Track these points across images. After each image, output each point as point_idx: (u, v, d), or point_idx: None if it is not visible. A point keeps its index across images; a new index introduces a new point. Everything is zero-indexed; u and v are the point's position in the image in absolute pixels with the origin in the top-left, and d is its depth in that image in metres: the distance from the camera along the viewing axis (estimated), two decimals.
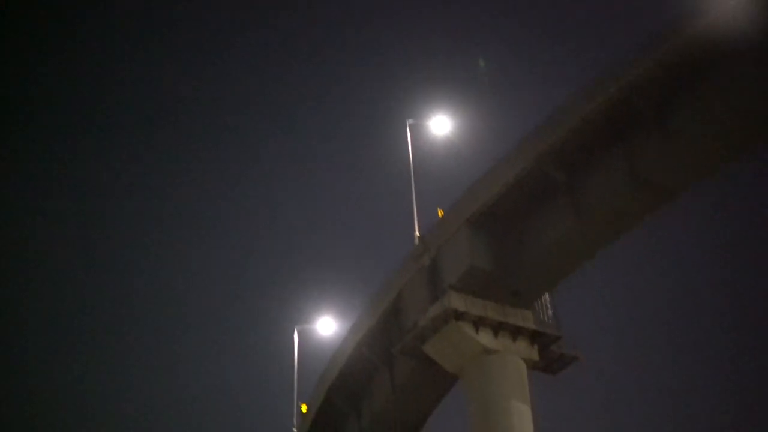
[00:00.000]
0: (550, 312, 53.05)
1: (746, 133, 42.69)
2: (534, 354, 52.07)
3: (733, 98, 41.96)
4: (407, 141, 59.21)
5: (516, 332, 51.61)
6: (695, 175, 44.99)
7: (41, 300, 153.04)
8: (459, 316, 50.73)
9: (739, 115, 42.05)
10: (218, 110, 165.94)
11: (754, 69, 40.96)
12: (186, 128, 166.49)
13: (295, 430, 66.71)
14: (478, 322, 51.08)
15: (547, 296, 52.99)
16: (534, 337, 52.08)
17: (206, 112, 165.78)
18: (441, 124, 59.40)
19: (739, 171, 46.96)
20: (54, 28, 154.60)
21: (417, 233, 56.08)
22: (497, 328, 51.33)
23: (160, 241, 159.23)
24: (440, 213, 54.49)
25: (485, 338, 51.33)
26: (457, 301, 50.76)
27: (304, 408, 66.09)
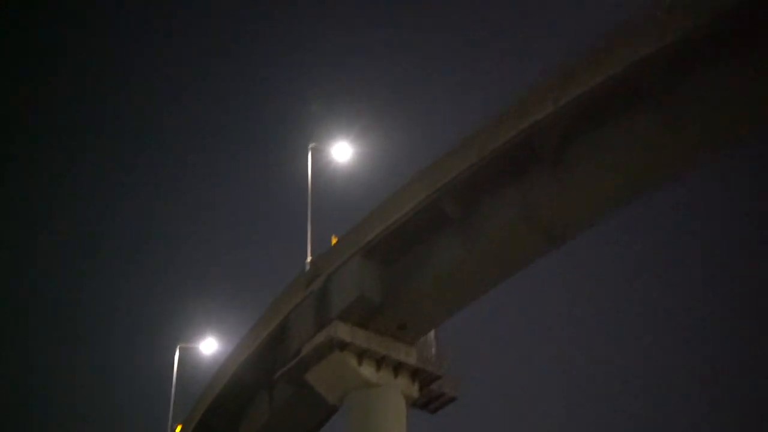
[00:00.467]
0: (434, 350, 52.69)
1: (638, 178, 42.94)
2: (414, 391, 51.50)
3: (629, 145, 42.11)
4: (307, 165, 58.47)
5: (398, 367, 51.08)
6: (584, 220, 45.08)
7: None
8: (343, 346, 50.00)
9: (633, 158, 42.29)
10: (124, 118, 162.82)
11: (652, 113, 41.16)
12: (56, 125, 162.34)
13: None
14: (362, 354, 50.41)
15: (432, 333, 52.64)
16: (415, 373, 51.57)
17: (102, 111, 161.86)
18: (342, 151, 58.74)
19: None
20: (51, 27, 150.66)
21: (309, 258, 55.29)
22: (380, 361, 50.70)
23: (30, 245, 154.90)
24: (334, 240, 53.84)
25: (367, 371, 50.70)
26: (342, 331, 50.04)
27: (178, 430, 64.51)
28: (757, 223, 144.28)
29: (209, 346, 67.62)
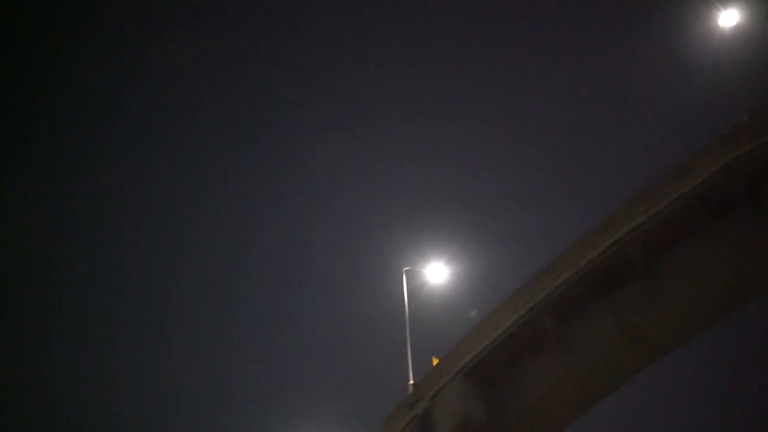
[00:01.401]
0: None
1: (739, 289, 42.70)
2: None
3: (727, 251, 42.03)
4: (403, 288, 59.22)
5: None
6: (682, 333, 44.82)
7: None
8: None
9: (729, 267, 42.11)
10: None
11: (746, 218, 41.17)
12: None
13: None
14: None
15: None
16: None
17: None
18: (437, 272, 59.48)
19: None
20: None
21: (411, 381, 55.51)
22: None
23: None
24: (435, 361, 54.04)
25: None
26: None
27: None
28: None
29: None
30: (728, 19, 51.51)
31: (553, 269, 47.24)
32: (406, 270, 59.91)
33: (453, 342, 51.81)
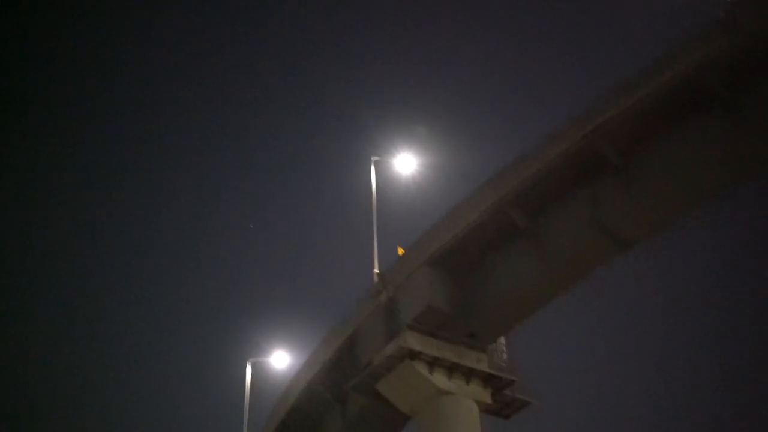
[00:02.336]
0: (505, 355, 52.92)
1: (710, 185, 43.02)
2: (487, 397, 51.73)
3: (699, 149, 42.18)
4: (371, 178, 59.12)
5: (470, 374, 51.29)
6: (655, 228, 45.19)
7: None
8: (414, 355, 50.38)
9: (701, 161, 42.32)
10: (179, 141, 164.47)
11: (723, 120, 41.25)
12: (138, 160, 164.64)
13: None
14: (433, 363, 50.72)
15: (503, 339, 52.91)
16: (488, 380, 51.81)
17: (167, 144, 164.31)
18: (406, 163, 59.36)
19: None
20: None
21: (376, 270, 55.85)
22: (451, 369, 50.99)
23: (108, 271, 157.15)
24: (401, 251, 54.36)
25: (439, 379, 50.97)
26: (412, 341, 50.43)
27: None
28: None
29: (280, 360, 68.36)
30: None
31: (523, 162, 47.25)
32: (375, 160, 59.78)
33: (420, 232, 52.08)
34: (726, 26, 39.99)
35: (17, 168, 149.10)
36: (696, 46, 40.63)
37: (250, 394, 68.58)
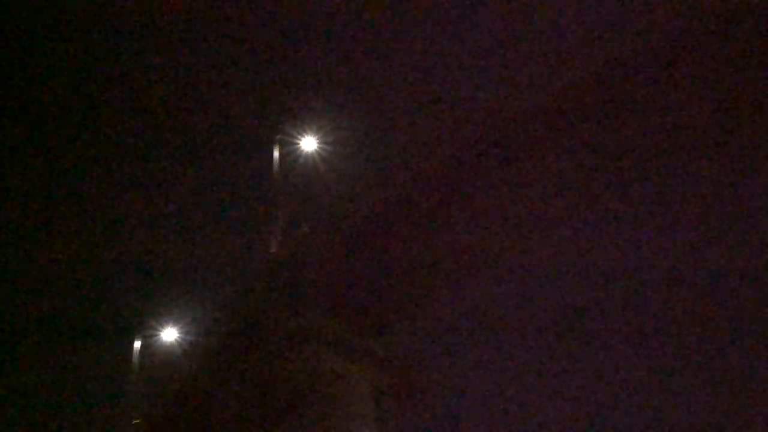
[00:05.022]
0: (405, 338, 53.20)
1: None
2: (385, 380, 51.95)
3: None
4: (274, 156, 58.54)
5: (368, 357, 51.44)
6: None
7: None
8: (312, 335, 50.24)
9: None
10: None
11: None
12: None
13: None
14: (331, 344, 50.68)
15: (405, 322, 53.12)
16: (385, 362, 51.98)
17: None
18: (310, 143, 58.92)
19: None
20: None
21: (274, 249, 55.31)
22: (350, 350, 51.02)
23: None
24: (302, 229, 53.93)
25: (336, 361, 50.94)
26: (311, 321, 50.27)
27: (138, 423, 63.93)
28: None
29: (170, 336, 66.94)
30: None
31: (429, 146, 47.28)
32: (278, 138, 59.17)
33: (324, 212, 51.81)
34: None
35: None
36: None
37: (138, 374, 67.21)
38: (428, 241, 48.27)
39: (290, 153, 58.76)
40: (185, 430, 60.00)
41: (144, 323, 68.70)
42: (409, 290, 49.92)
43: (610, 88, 41.92)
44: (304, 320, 49.85)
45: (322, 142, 59.13)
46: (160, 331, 67.73)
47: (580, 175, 45.06)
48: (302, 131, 59.28)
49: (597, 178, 44.78)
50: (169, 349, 66.63)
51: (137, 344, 67.39)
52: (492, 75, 45.73)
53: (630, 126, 42.56)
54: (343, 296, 50.31)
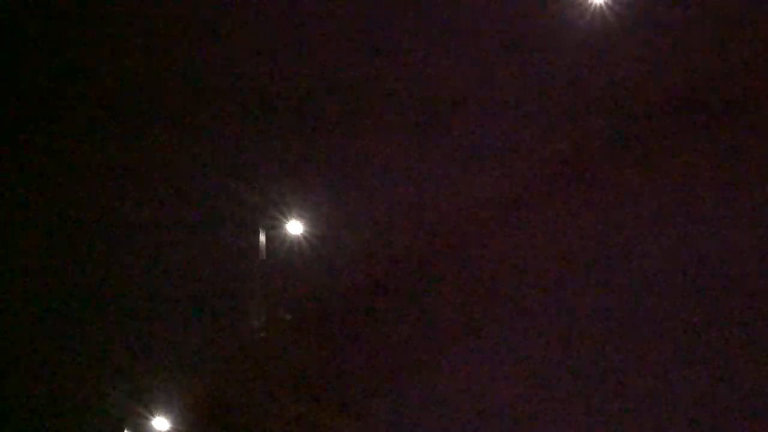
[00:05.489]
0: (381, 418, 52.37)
1: None
2: None
3: None
4: (260, 244, 58.90)
5: None
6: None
7: None
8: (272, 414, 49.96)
9: None
10: None
11: None
12: None
13: None
14: (294, 422, 50.35)
15: (380, 401, 52.36)
16: None
17: None
18: (295, 227, 59.30)
19: None
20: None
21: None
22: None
23: None
24: (285, 317, 53.88)
25: None
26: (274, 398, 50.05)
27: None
28: None
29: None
30: None
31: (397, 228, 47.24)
32: (263, 225, 59.48)
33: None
34: None
35: None
36: None
37: None
38: (409, 320, 48.05)
39: (275, 238, 59.07)
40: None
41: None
42: (384, 370, 49.44)
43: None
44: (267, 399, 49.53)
45: (308, 225, 59.39)
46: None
47: None
48: (288, 215, 59.65)
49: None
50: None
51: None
52: None
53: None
54: (312, 375, 49.95)
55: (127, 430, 68.25)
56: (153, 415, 66.95)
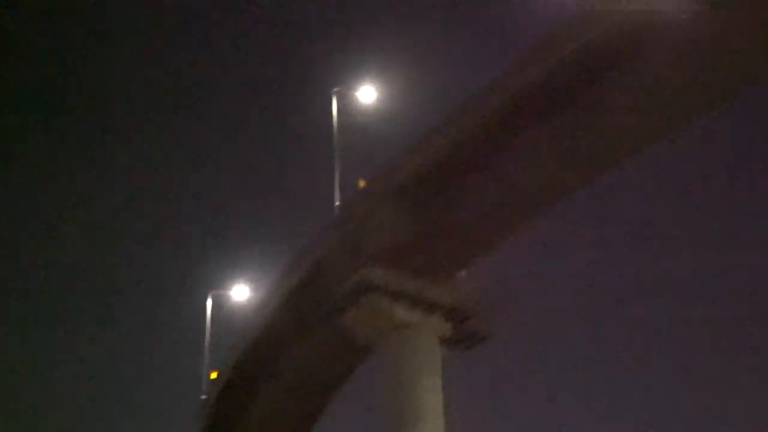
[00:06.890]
0: (467, 288, 52.92)
1: (665, 115, 42.63)
2: (448, 329, 51.95)
3: (664, 72, 41.49)
4: (332, 109, 58.46)
5: (431, 307, 51.40)
6: (615, 156, 44.81)
7: None
8: (376, 287, 50.30)
9: (659, 95, 41.94)
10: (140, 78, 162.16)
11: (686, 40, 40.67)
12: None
13: (204, 396, 65.95)
14: (395, 295, 50.71)
15: (465, 271, 52.85)
16: (448, 312, 51.90)
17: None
18: (368, 94, 58.67)
19: None
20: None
21: (337, 202, 55.43)
22: (413, 301, 51.02)
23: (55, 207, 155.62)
24: (362, 183, 53.81)
25: (401, 312, 51.05)
26: (375, 274, 50.30)
27: (213, 375, 65.38)
28: None
29: (241, 293, 68.21)
30: None
31: (484, 94, 46.44)
32: (335, 91, 59.05)
33: (383, 164, 51.46)
34: None
35: None
36: None
37: (212, 327, 68.61)
38: (490, 187, 47.63)
39: (349, 105, 58.74)
40: (257, 380, 61.11)
41: (216, 281, 70.01)
42: (471, 239, 49.45)
43: None
44: (366, 273, 49.84)
45: (381, 93, 58.94)
46: (231, 288, 69.01)
47: None
48: (360, 82, 59.21)
49: None
50: (240, 305, 67.83)
51: (209, 301, 68.81)
52: None
53: None
54: (405, 250, 50.10)
55: None
56: None
